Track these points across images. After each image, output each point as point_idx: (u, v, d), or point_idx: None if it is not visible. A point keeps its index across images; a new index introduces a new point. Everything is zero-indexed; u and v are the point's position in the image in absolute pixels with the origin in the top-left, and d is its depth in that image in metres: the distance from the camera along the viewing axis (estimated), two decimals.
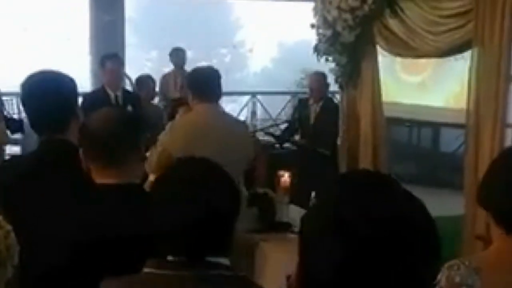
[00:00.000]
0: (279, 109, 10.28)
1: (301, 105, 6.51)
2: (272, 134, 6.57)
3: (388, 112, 6.04)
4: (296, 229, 2.96)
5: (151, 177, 3.19)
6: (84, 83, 8.23)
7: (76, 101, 2.33)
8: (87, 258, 1.82)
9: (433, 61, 7.25)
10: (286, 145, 6.29)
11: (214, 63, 15.48)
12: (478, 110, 4.40)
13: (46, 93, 2.17)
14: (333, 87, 6.37)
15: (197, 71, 3.94)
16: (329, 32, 5.70)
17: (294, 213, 4.04)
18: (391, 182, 1.04)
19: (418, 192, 1.05)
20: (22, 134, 6.24)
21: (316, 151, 5.84)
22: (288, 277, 1.10)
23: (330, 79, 6.14)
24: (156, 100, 7.26)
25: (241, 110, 10.38)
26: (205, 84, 3.68)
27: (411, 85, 8.18)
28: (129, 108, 5.39)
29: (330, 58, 5.93)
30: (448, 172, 7.42)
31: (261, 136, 6.53)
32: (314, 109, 6.17)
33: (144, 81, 6.56)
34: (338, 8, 5.48)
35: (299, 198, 4.30)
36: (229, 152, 3.32)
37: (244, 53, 24.17)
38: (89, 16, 9.53)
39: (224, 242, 1.53)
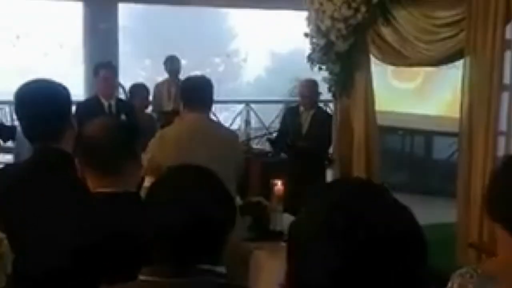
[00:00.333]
0: (272, 117, 10.31)
1: (291, 112, 6.33)
2: (269, 139, 6.46)
3: (381, 121, 6.07)
4: None
5: (147, 183, 3.18)
6: (78, 92, 8.20)
7: (70, 109, 2.32)
8: (83, 265, 1.82)
9: (425, 69, 7.28)
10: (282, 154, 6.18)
11: (208, 72, 15.51)
12: (471, 118, 4.42)
13: (40, 102, 2.16)
14: (326, 95, 6.36)
15: (189, 80, 3.94)
16: (322, 42, 5.72)
17: (288, 222, 4.03)
18: (382, 190, 1.06)
19: (411, 200, 1.07)
20: (13, 142, 6.20)
21: (310, 160, 5.81)
22: (282, 286, 1.10)
23: (323, 88, 6.13)
24: (149, 109, 7.24)
25: (235, 118, 10.44)
26: (196, 94, 3.68)
27: (403, 94, 8.19)
28: (123, 117, 5.37)
29: (324, 67, 5.96)
30: (441, 180, 7.43)
31: (254, 145, 6.51)
32: (305, 117, 6.02)
33: (138, 90, 6.53)
34: (332, 17, 5.51)
35: (292, 206, 4.30)
36: (218, 161, 3.31)
37: (238, 62, 24.23)
38: (83, 25, 9.53)
39: (217, 249, 1.53)
